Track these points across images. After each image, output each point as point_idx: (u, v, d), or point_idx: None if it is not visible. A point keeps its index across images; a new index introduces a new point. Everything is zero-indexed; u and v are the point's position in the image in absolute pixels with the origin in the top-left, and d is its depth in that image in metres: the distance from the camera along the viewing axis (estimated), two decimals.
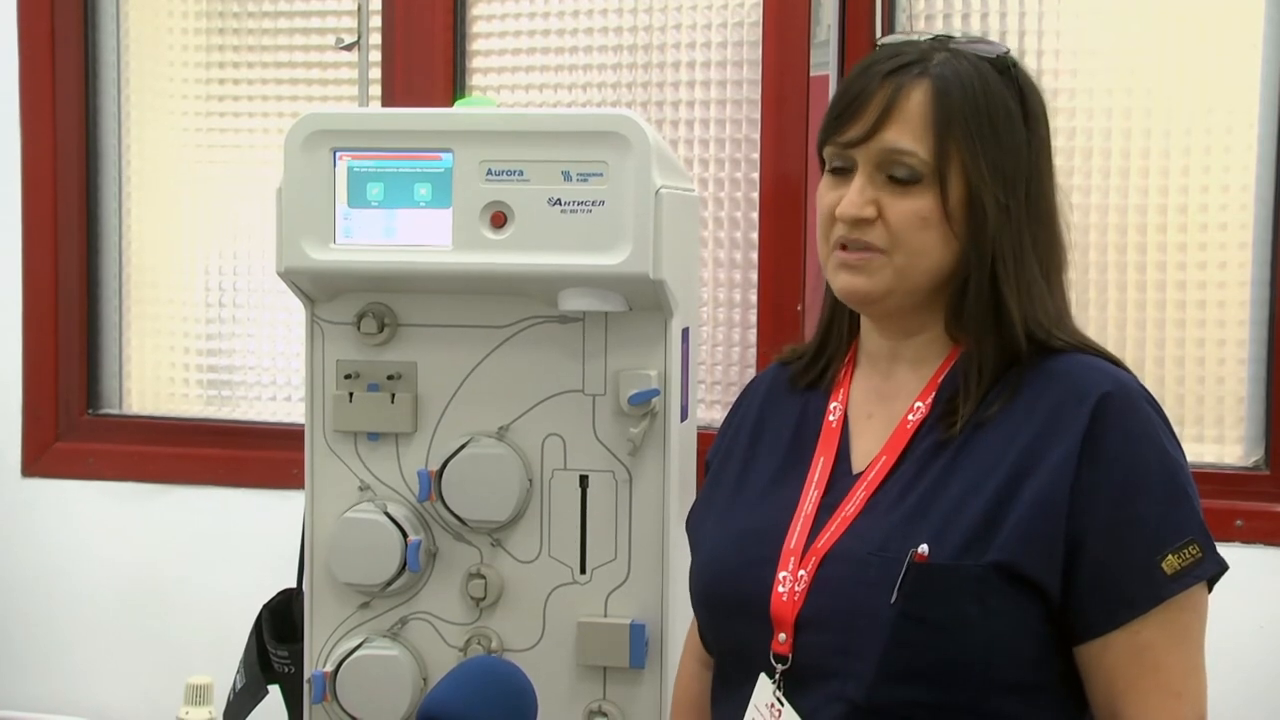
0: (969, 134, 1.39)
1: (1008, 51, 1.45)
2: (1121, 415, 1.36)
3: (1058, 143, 2.49)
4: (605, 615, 2.02)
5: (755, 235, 2.70)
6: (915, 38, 1.45)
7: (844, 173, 1.43)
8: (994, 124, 1.40)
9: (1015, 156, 1.42)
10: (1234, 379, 2.50)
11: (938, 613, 1.33)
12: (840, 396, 1.52)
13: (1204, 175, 2.50)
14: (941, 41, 1.44)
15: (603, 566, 2.02)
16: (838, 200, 1.42)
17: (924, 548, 1.33)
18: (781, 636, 1.40)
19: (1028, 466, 1.35)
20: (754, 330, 2.72)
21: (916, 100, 1.39)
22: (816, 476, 1.47)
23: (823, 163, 1.47)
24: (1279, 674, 2.46)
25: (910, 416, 1.44)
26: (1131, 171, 2.52)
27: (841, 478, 1.46)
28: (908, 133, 1.38)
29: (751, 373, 2.68)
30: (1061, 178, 2.58)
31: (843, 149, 1.42)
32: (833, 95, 1.47)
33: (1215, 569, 1.36)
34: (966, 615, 1.33)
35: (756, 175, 2.70)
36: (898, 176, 1.39)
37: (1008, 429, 1.38)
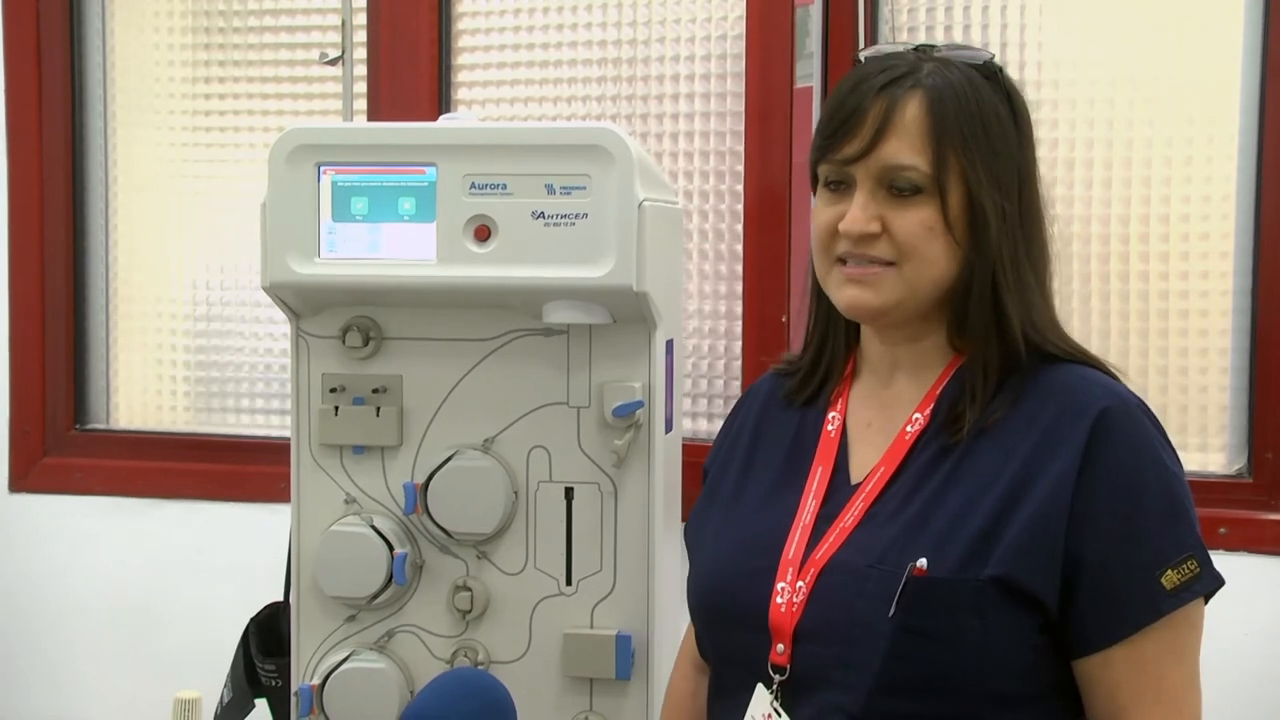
0: (966, 142, 1.40)
1: (993, 57, 1.46)
2: (1121, 430, 1.37)
3: (1040, 153, 2.52)
4: (591, 626, 2.02)
5: (739, 247, 2.71)
6: (899, 49, 1.45)
7: (841, 189, 1.43)
8: (988, 131, 1.42)
9: (1009, 162, 1.44)
10: (1216, 387, 2.51)
11: (936, 626, 1.34)
12: (839, 406, 1.53)
13: (1185, 185, 2.51)
14: (926, 52, 1.45)
15: (588, 578, 2.02)
16: (838, 216, 1.42)
17: (923, 561, 1.34)
18: (780, 647, 1.41)
19: (1026, 480, 1.36)
20: (739, 342, 2.72)
21: (912, 112, 1.40)
22: (815, 487, 1.47)
23: (815, 179, 1.47)
24: (1263, 680, 2.47)
25: (909, 428, 1.45)
26: (1114, 181, 2.53)
27: (840, 488, 1.47)
28: (907, 146, 1.39)
29: (737, 384, 2.69)
30: (1044, 188, 2.60)
31: (840, 165, 1.42)
32: (823, 111, 1.46)
33: (1213, 584, 1.37)
34: (965, 628, 1.33)
35: (740, 187, 2.71)
36: (899, 189, 1.40)
37: (1006, 441, 1.39)
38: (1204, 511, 2.38)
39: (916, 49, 1.45)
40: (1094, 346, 2.49)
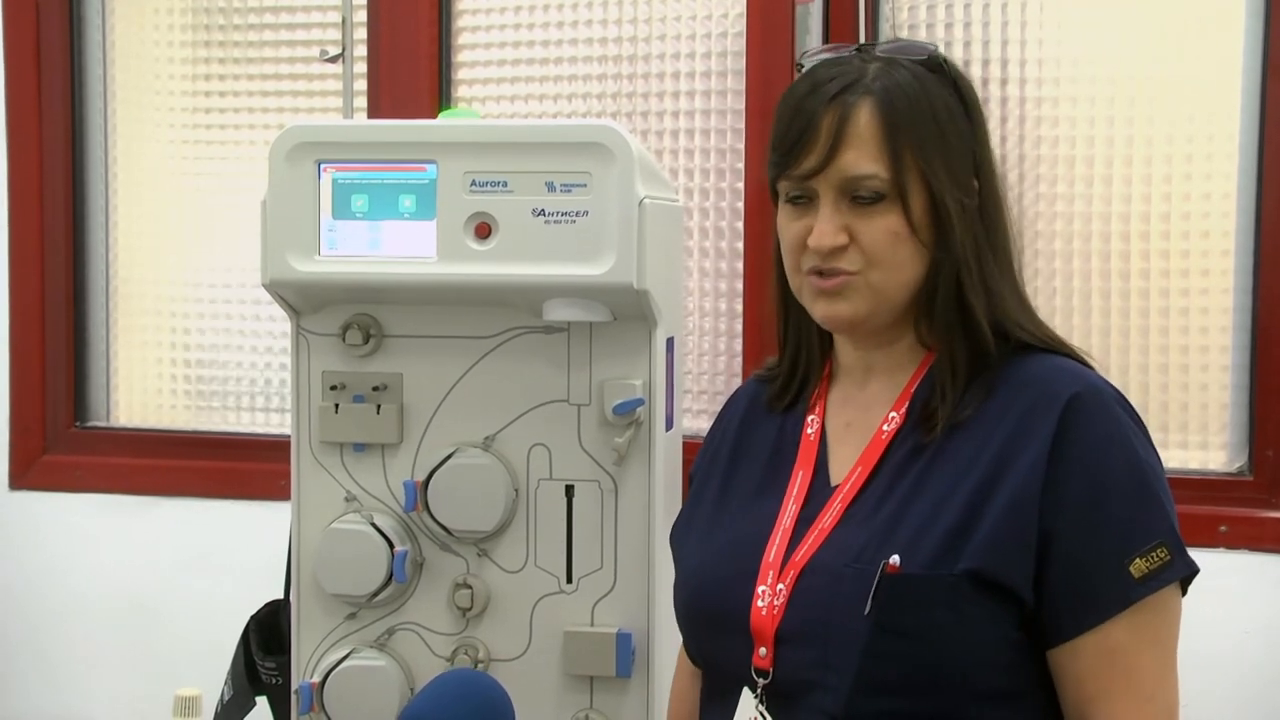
0: (921, 143, 1.39)
1: (936, 49, 1.45)
2: (1090, 417, 1.36)
3: (1040, 152, 2.54)
4: (592, 624, 2.02)
5: (740, 244, 2.71)
6: (841, 53, 1.45)
7: (803, 202, 1.43)
8: (941, 128, 1.41)
9: (964, 155, 1.43)
10: (1217, 385, 2.51)
11: (912, 623, 1.33)
12: (818, 409, 1.52)
13: (1186, 183, 2.51)
14: (868, 52, 1.44)
15: (589, 576, 2.02)
16: (805, 230, 1.42)
17: (895, 558, 1.33)
18: (762, 650, 1.40)
19: (999, 472, 1.36)
20: (739, 339, 2.73)
21: (865, 120, 1.39)
22: (795, 490, 1.47)
23: (775, 194, 1.47)
24: (1265, 678, 2.47)
25: (885, 427, 1.45)
26: (1114, 180, 2.53)
27: (819, 490, 1.46)
28: (864, 155, 1.38)
29: (737, 381, 2.69)
30: (1044, 186, 2.61)
31: (800, 181, 1.42)
32: (775, 126, 1.45)
33: (1184, 571, 1.36)
34: (941, 624, 1.33)
35: (741, 185, 2.71)
36: (862, 199, 1.39)
37: (980, 434, 1.39)
38: (1205, 509, 2.43)
39: (858, 49, 1.45)
40: (1094, 345, 2.52)
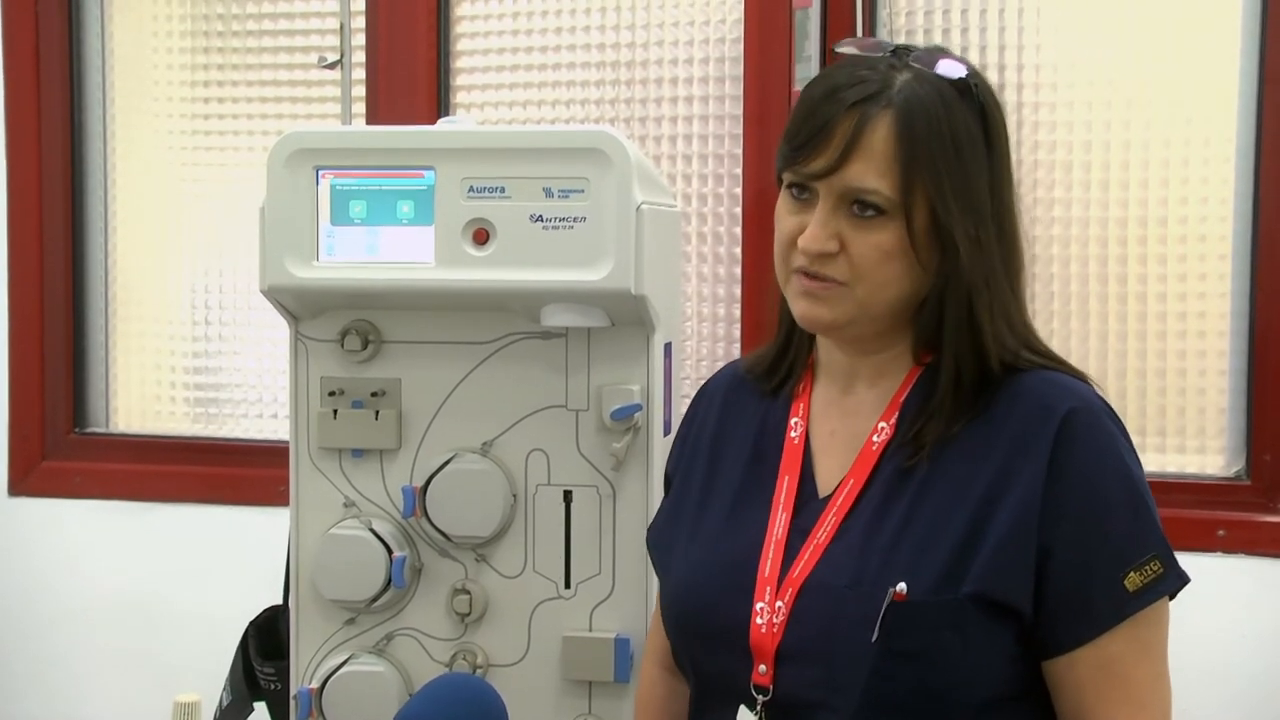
0: (934, 167, 1.37)
1: (968, 74, 1.41)
2: (1086, 433, 1.37)
3: (1038, 156, 2.55)
4: (590, 629, 2.02)
5: (738, 250, 2.72)
6: (876, 52, 1.42)
7: (805, 196, 1.41)
8: (959, 153, 1.38)
9: (980, 182, 1.40)
10: (1214, 389, 2.51)
11: (919, 646, 1.33)
12: (801, 411, 1.51)
13: (1183, 187, 2.51)
14: (901, 57, 1.41)
15: (587, 581, 2.02)
16: (799, 227, 1.40)
17: (902, 586, 1.33)
18: (762, 668, 1.40)
19: (997, 491, 1.36)
20: (738, 344, 2.73)
21: (881, 135, 1.36)
22: (783, 498, 1.46)
23: (779, 180, 1.46)
24: (1262, 682, 2.47)
25: (875, 438, 1.44)
26: (1111, 184, 2.54)
27: (809, 501, 1.45)
28: (872, 170, 1.36)
29: None
30: (1041, 190, 2.61)
31: (805, 179, 1.40)
32: (792, 115, 1.43)
33: (1176, 584, 1.37)
34: (947, 646, 1.33)
35: (739, 190, 2.71)
36: (861, 211, 1.38)
37: (975, 451, 1.39)
38: (1202, 514, 2.44)
39: (894, 51, 1.42)
40: (1092, 349, 2.52)
